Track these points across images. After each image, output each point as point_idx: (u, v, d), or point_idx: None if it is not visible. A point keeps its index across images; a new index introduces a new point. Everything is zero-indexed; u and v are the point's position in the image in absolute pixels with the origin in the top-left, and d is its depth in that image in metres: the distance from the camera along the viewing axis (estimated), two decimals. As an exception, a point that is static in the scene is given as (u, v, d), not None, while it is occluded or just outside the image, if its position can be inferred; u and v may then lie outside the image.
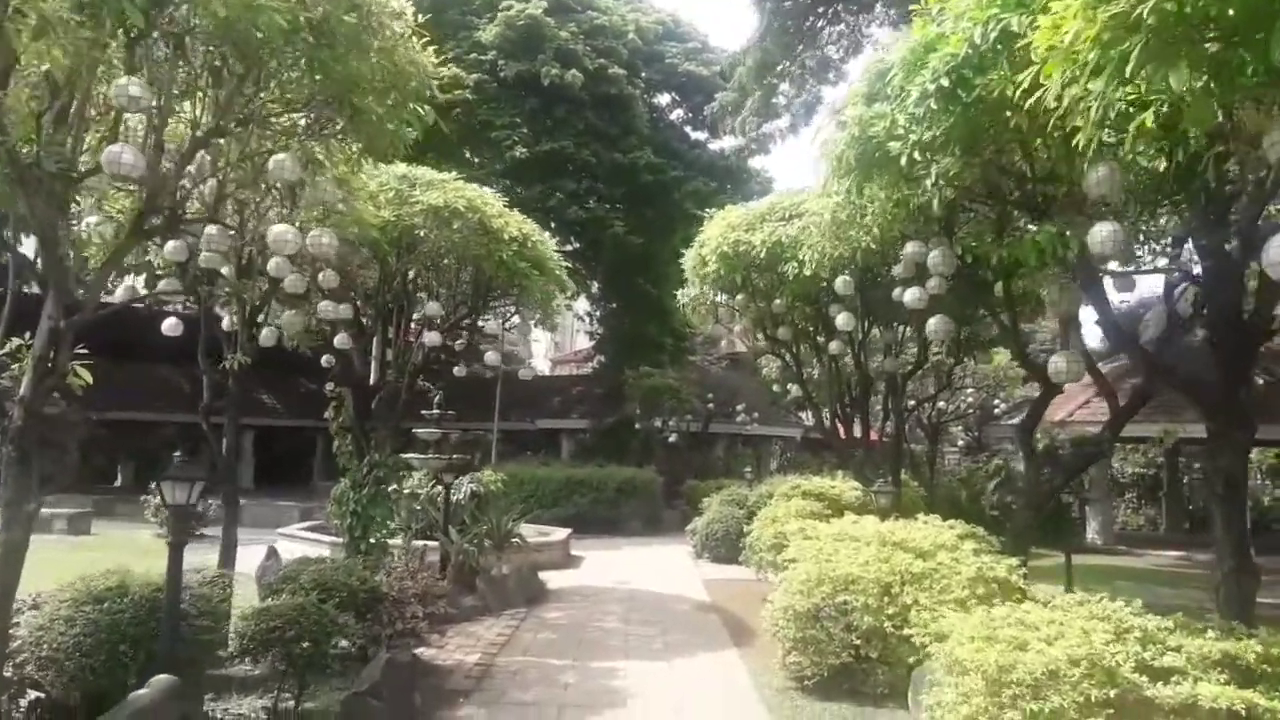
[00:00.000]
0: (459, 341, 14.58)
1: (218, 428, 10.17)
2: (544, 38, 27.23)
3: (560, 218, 27.02)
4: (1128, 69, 3.45)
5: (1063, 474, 9.78)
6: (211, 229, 6.76)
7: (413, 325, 12.94)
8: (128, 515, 23.20)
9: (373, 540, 12.63)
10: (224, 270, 8.68)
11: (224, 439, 10.15)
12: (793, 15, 21.33)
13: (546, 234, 12.80)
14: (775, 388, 21.55)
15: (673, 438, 28.55)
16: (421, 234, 10.47)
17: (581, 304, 41.11)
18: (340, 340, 11.18)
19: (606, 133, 28.29)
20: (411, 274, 11.90)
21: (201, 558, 17.62)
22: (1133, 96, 3.91)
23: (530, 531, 18.67)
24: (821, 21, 22.12)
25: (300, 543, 17.62)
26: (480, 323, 12.63)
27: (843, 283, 10.43)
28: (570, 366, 50.24)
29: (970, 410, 26.62)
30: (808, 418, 41.24)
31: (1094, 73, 3.65)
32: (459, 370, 15.64)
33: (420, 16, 6.49)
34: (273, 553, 10.00)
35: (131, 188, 5.96)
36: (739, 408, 30.28)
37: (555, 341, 64.27)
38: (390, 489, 12.63)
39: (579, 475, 24.55)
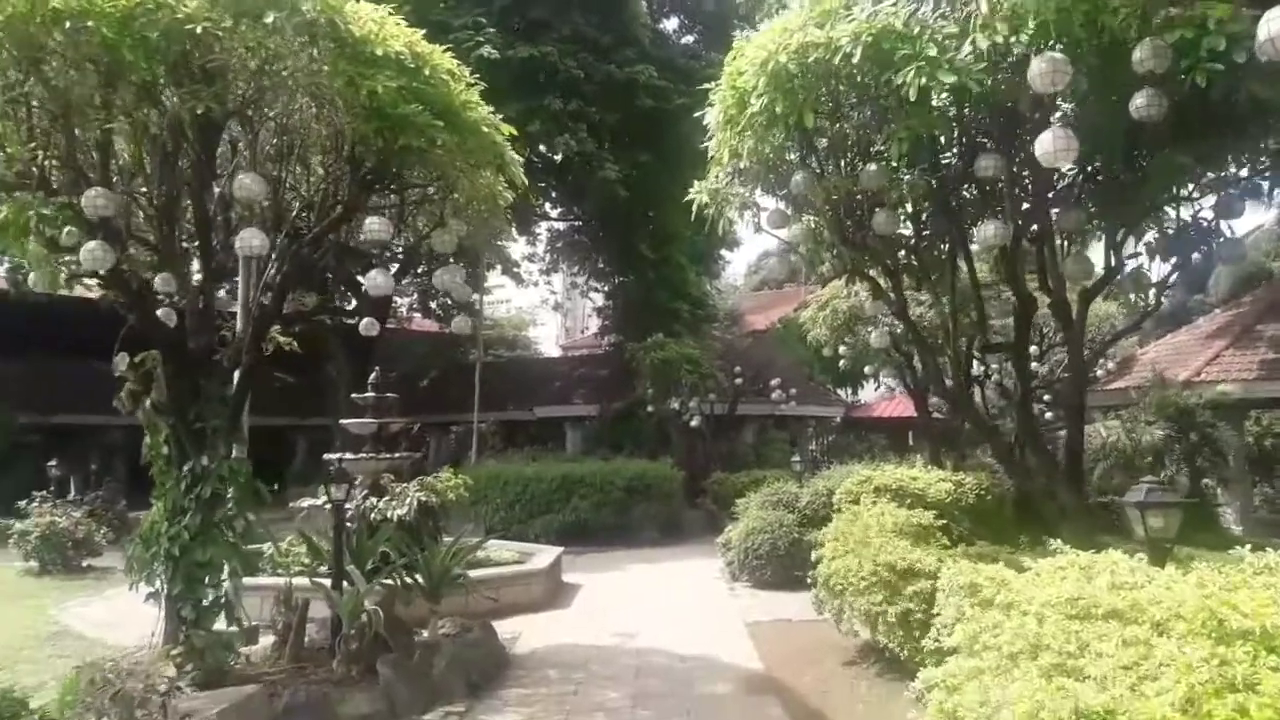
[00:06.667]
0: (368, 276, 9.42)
1: None
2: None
3: (546, 150, 21.93)
4: None
5: None
6: None
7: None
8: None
9: (205, 601, 7.71)
10: None
11: None
12: None
13: (468, 71, 7.42)
14: (843, 347, 16.57)
15: (694, 421, 23.38)
16: (199, 31, 5.40)
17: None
18: (91, 255, 6.06)
19: (597, 41, 22.73)
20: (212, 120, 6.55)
21: (72, 609, 12.89)
22: None
23: (509, 551, 13.80)
24: None
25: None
26: (365, 232, 7.30)
27: (1050, 67, 5.05)
28: (583, 353, 45.51)
29: (1064, 374, 21.32)
30: (847, 394, 36.41)
31: None
32: (368, 325, 10.64)
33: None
34: None
35: None
36: (773, 383, 25.13)
37: (566, 327, 59.86)
38: (230, 514, 7.61)
39: (578, 472, 19.45)
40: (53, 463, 19.57)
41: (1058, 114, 6.00)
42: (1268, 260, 35.49)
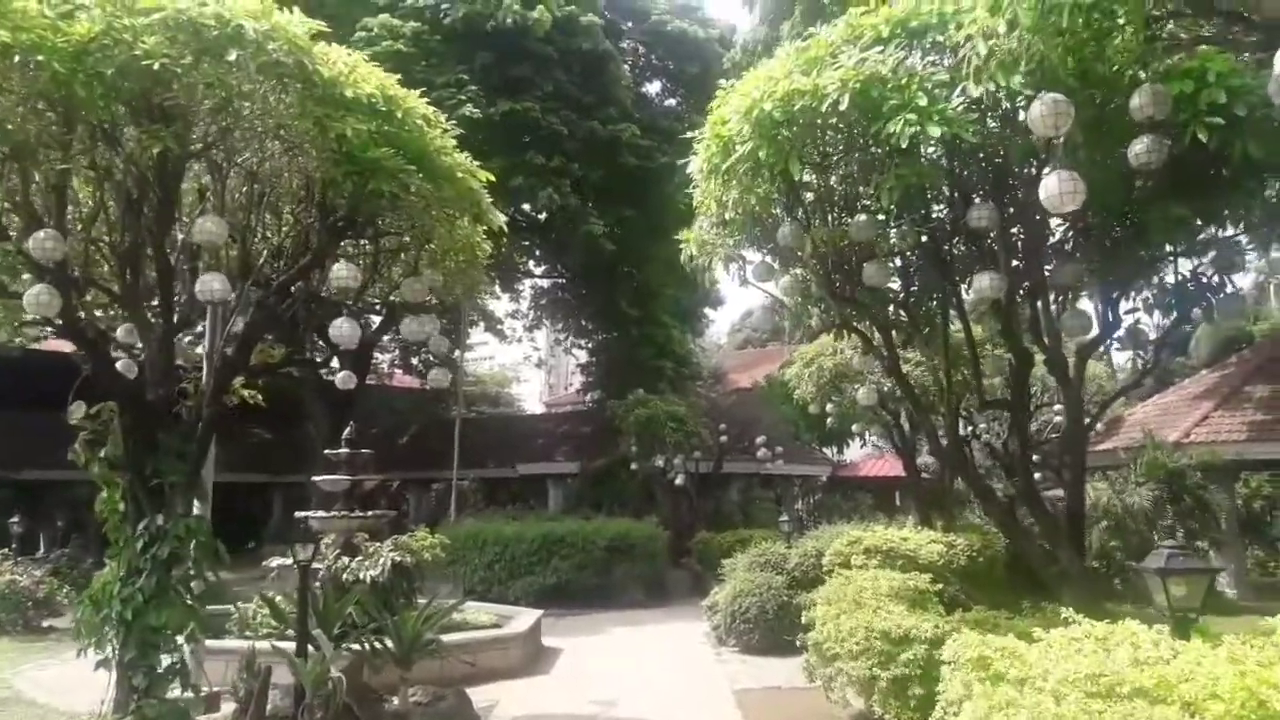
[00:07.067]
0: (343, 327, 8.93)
1: None
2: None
3: (530, 208, 21.74)
4: None
5: None
6: None
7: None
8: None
9: (160, 668, 7.25)
10: None
11: None
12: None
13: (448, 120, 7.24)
14: (830, 405, 16.28)
15: (679, 479, 22.99)
16: (156, 68, 5.15)
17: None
18: (37, 300, 5.69)
19: (580, 100, 22.78)
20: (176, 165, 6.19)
21: (27, 672, 12.22)
22: None
23: (487, 614, 13.33)
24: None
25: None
26: (333, 279, 6.96)
27: (1051, 109, 4.83)
28: (567, 410, 45.03)
29: (1053, 434, 21.07)
30: (833, 453, 35.97)
31: None
32: (345, 379, 10.34)
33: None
34: None
35: None
36: (759, 440, 24.81)
37: (549, 384, 59.53)
38: (189, 574, 7.20)
39: (558, 532, 18.89)
40: (14, 519, 18.96)
41: (1047, 169, 5.80)
42: (1247, 323, 35.64)
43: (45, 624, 15.46)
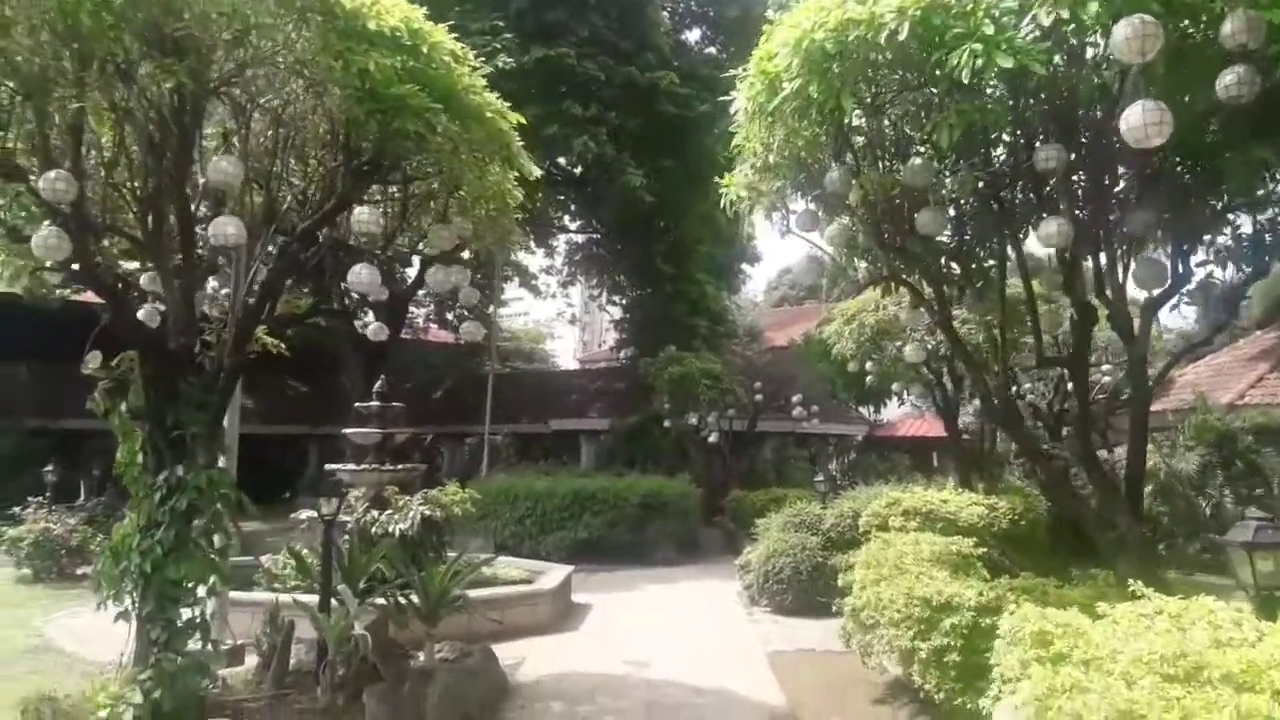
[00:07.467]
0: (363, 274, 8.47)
1: None
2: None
3: (565, 162, 21.28)
4: None
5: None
6: None
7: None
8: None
9: (179, 621, 7.11)
10: None
11: None
12: None
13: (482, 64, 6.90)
14: (870, 363, 15.86)
15: (713, 437, 22.76)
16: (169, -7, 4.86)
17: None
18: (44, 243, 5.44)
19: (617, 45, 22.19)
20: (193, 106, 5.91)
21: (59, 620, 12.26)
22: None
23: (517, 569, 13.21)
24: None
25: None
26: (354, 222, 6.63)
27: (1138, 31, 4.39)
28: (601, 366, 44.87)
29: (1100, 395, 20.47)
30: (869, 413, 35.49)
31: None
32: (377, 331, 10.13)
33: None
34: None
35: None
36: (794, 399, 24.47)
37: (583, 341, 59.33)
38: (207, 525, 7.04)
39: (590, 488, 18.74)
40: (49, 468, 19.12)
41: (1120, 105, 5.35)
42: (1303, 282, 34.45)
43: (79, 571, 15.59)
